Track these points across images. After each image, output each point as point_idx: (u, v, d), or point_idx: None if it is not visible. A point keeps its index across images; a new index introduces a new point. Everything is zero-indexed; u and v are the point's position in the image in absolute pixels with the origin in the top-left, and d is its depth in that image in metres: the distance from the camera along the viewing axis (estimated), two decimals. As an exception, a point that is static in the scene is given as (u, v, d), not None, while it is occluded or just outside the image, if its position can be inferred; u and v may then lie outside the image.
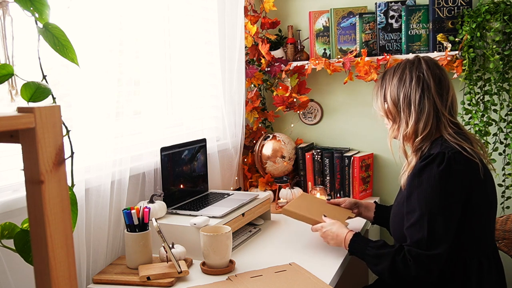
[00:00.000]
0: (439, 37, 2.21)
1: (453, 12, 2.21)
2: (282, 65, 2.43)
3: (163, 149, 1.75)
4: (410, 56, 1.58)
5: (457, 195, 1.37)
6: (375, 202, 1.90)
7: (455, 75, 2.18)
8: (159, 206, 1.66)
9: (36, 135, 0.56)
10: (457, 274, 1.42)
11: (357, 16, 2.38)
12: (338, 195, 2.41)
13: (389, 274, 1.40)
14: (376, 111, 1.62)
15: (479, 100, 2.19)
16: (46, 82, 1.08)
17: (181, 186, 1.87)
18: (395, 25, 2.33)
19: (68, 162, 1.07)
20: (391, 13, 2.32)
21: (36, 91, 1.02)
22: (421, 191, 1.37)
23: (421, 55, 1.56)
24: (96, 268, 1.51)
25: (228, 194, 1.98)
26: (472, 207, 1.40)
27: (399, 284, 1.46)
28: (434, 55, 2.19)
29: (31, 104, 1.01)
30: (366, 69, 2.29)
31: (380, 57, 2.29)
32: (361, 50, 2.32)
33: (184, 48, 2.05)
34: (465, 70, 2.14)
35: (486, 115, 2.16)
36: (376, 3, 2.34)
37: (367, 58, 2.30)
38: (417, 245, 1.36)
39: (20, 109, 0.56)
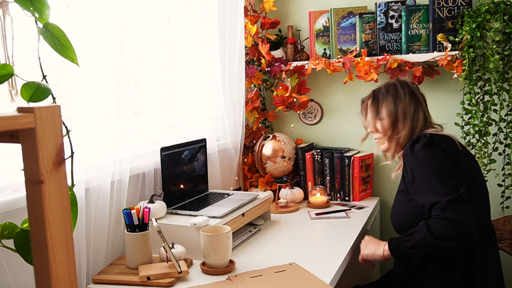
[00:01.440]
0: (439, 37, 2.21)
1: (453, 12, 2.21)
2: (282, 65, 2.43)
3: (163, 149, 1.75)
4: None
5: (446, 157, 1.52)
6: None
7: (455, 75, 2.18)
8: (159, 206, 1.66)
9: (36, 135, 0.56)
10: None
11: (357, 16, 2.38)
12: (338, 195, 2.41)
13: (434, 238, 1.41)
14: (366, 127, 1.79)
15: (479, 100, 2.19)
16: (46, 82, 1.08)
17: (181, 186, 1.87)
18: (395, 25, 2.33)
19: (68, 162, 1.07)
20: (391, 13, 2.32)
21: (36, 91, 1.02)
22: (418, 162, 1.52)
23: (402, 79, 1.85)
24: (96, 268, 1.51)
25: (228, 194, 1.98)
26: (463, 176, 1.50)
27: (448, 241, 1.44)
28: (434, 55, 2.19)
29: (31, 104, 1.01)
30: (366, 69, 2.29)
31: (380, 57, 2.29)
32: (361, 50, 2.32)
33: (184, 48, 2.05)
34: (465, 70, 2.14)
35: (486, 115, 2.16)
36: (376, 3, 2.34)
37: (367, 58, 2.30)
38: (438, 199, 1.43)
39: (20, 109, 0.56)
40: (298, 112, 2.59)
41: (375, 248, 1.60)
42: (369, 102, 1.75)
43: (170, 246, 1.50)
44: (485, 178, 1.77)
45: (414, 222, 1.50)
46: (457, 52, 2.16)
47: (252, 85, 2.51)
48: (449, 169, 1.49)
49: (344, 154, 2.40)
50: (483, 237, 1.52)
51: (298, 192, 2.38)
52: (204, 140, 2.02)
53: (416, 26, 2.27)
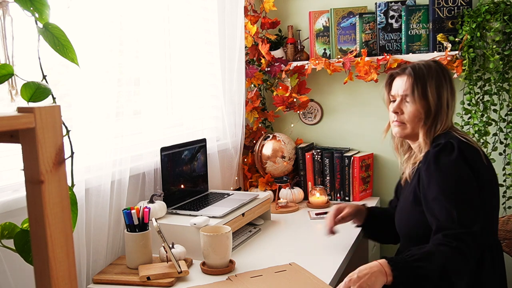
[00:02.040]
0: (439, 37, 2.21)
1: (453, 12, 2.21)
2: (282, 65, 2.43)
3: (163, 149, 1.75)
4: (426, 58, 1.63)
5: (472, 179, 1.39)
6: (364, 206, 1.80)
7: (455, 75, 2.18)
8: (159, 206, 1.66)
9: (36, 135, 0.56)
10: None
11: (357, 16, 2.38)
12: (338, 195, 2.41)
13: (450, 264, 1.27)
14: (410, 108, 1.54)
15: (479, 100, 2.19)
16: (46, 82, 1.08)
17: (181, 186, 1.87)
18: (395, 25, 2.33)
19: (68, 162, 1.07)
20: (391, 13, 2.32)
21: (36, 91, 1.02)
22: (440, 177, 1.39)
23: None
24: (96, 268, 1.51)
25: (228, 194, 1.98)
26: (484, 193, 1.42)
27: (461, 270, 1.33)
28: (434, 55, 2.19)
29: (31, 104, 1.01)
30: (366, 69, 2.29)
31: (380, 57, 2.29)
32: (361, 50, 2.32)
33: (184, 48, 2.05)
34: (465, 70, 2.14)
35: (485, 115, 2.16)
36: (376, 3, 2.34)
37: (367, 58, 2.30)
38: (450, 225, 1.32)
39: (20, 109, 0.56)
40: (298, 112, 2.59)
41: (376, 279, 1.27)
42: (412, 79, 1.52)
43: (170, 246, 1.50)
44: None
45: (424, 233, 1.42)
46: (457, 52, 2.16)
47: (252, 85, 2.51)
48: (471, 193, 1.37)
49: (344, 154, 2.40)
50: (484, 260, 1.43)
51: (298, 192, 2.38)
52: (204, 140, 2.02)
53: (416, 26, 2.27)
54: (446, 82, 1.52)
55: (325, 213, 2.14)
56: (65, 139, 1.05)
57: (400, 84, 1.55)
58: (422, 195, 1.44)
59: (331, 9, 2.43)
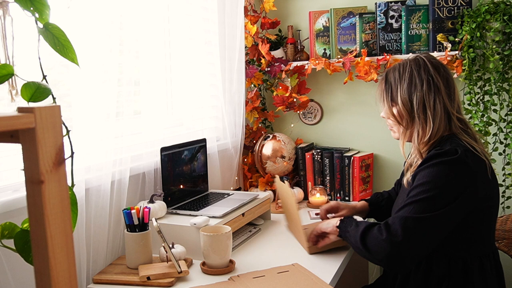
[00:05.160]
0: (439, 37, 2.21)
1: (453, 12, 2.21)
2: (282, 65, 2.43)
3: (163, 149, 1.75)
4: (410, 56, 1.56)
5: (465, 192, 1.33)
6: (365, 201, 1.84)
7: (455, 75, 2.18)
8: (159, 206, 1.66)
9: (36, 135, 0.56)
10: (457, 274, 1.42)
11: (357, 16, 2.38)
12: (338, 195, 2.41)
13: (360, 239, 1.37)
14: (384, 115, 1.57)
15: (479, 100, 2.19)
16: (46, 82, 1.08)
17: (181, 186, 1.87)
18: (395, 25, 2.33)
19: (68, 162, 1.07)
20: (391, 13, 2.32)
21: (36, 91, 1.02)
22: (426, 176, 1.34)
23: (422, 55, 1.54)
24: (96, 268, 1.51)
25: (228, 194, 1.98)
26: (478, 206, 1.38)
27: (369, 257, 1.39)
28: (434, 55, 2.18)
29: (31, 104, 1.01)
30: (366, 69, 2.29)
31: (380, 57, 2.29)
32: (361, 50, 2.32)
33: (184, 48, 2.05)
34: (465, 70, 2.14)
35: (486, 115, 2.16)
36: (376, 3, 2.34)
37: (367, 58, 2.30)
38: (396, 220, 1.32)
39: (20, 109, 0.56)
40: (298, 112, 2.59)
41: (330, 221, 1.56)
42: (382, 85, 1.54)
43: (170, 246, 1.50)
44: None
45: None
46: (457, 52, 2.16)
47: (252, 85, 2.51)
48: (444, 208, 1.31)
49: (344, 154, 2.40)
50: (483, 267, 1.42)
51: (298, 192, 2.38)
52: (204, 140, 2.02)
53: (416, 26, 2.27)
54: (421, 81, 1.44)
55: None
56: (65, 139, 1.05)
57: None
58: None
59: (331, 9, 2.43)
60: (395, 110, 1.51)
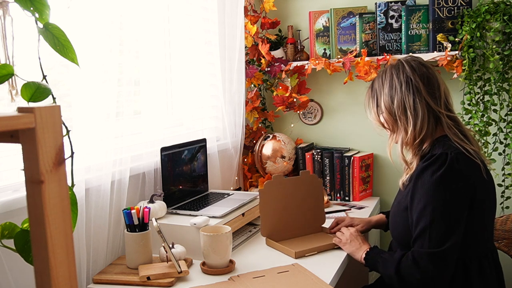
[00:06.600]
0: (439, 37, 2.21)
1: (453, 12, 2.21)
2: (282, 65, 2.43)
3: (163, 149, 1.75)
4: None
5: (460, 196, 1.36)
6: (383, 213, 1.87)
7: (455, 75, 2.18)
8: (159, 206, 1.66)
9: (36, 135, 0.56)
10: (457, 276, 1.42)
11: (357, 16, 2.38)
12: (338, 195, 2.41)
13: (397, 278, 1.40)
14: (372, 122, 1.62)
15: (479, 100, 2.19)
16: (46, 82, 1.08)
17: (181, 186, 1.87)
18: (395, 25, 2.33)
19: (68, 162, 1.07)
20: (391, 13, 2.32)
21: (36, 91, 1.02)
22: (424, 194, 1.37)
23: (402, 56, 1.56)
24: (96, 268, 1.51)
25: (228, 194, 1.98)
26: (475, 208, 1.39)
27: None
28: (434, 55, 2.19)
29: (31, 104, 1.01)
30: (366, 69, 2.29)
31: (380, 57, 2.29)
32: (361, 50, 2.32)
33: (184, 48, 2.05)
34: (465, 70, 2.14)
35: (486, 115, 2.16)
36: (376, 3, 2.34)
37: (367, 58, 2.30)
38: (421, 242, 1.36)
39: (20, 109, 0.56)
40: (298, 112, 2.59)
41: (356, 250, 1.58)
42: (369, 92, 1.60)
43: (170, 246, 1.50)
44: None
45: (410, 240, 1.45)
46: (457, 52, 2.16)
47: (252, 85, 2.51)
48: (454, 212, 1.35)
49: (344, 154, 2.40)
50: (483, 268, 1.44)
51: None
52: (204, 140, 2.02)
53: (416, 26, 2.27)
54: (399, 83, 1.47)
55: (326, 213, 2.13)
56: (65, 139, 1.05)
57: None
58: (409, 205, 1.44)
59: (331, 9, 2.43)
60: (381, 117, 1.56)
